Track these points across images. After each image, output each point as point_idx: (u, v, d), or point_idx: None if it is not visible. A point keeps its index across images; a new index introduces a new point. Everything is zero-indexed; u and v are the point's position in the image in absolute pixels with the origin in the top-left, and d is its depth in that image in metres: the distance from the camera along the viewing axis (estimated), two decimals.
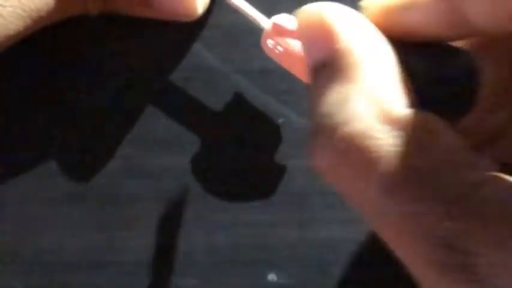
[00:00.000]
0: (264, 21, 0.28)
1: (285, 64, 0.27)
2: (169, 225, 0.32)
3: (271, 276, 0.31)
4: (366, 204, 0.18)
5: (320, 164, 0.19)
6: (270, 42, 0.27)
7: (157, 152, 0.32)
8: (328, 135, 0.18)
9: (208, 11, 0.31)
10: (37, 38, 0.29)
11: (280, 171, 0.32)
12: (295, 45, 0.25)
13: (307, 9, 0.20)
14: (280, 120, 0.32)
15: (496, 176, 0.18)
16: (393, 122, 0.18)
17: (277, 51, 0.26)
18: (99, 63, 0.32)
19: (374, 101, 0.18)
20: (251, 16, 0.28)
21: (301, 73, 0.26)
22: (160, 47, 0.32)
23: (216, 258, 0.31)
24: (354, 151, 0.18)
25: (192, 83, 0.32)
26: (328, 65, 0.19)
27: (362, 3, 0.21)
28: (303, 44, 0.20)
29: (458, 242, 0.17)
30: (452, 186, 0.17)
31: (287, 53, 0.26)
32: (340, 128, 0.18)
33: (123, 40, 0.32)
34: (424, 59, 0.20)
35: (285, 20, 0.26)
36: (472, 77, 0.20)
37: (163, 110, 0.32)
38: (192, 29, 0.32)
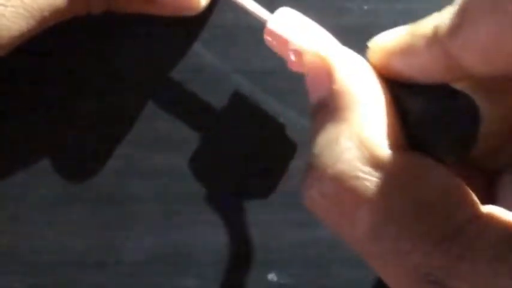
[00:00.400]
0: (267, 16, 0.27)
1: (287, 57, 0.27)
2: (170, 225, 0.32)
3: (271, 276, 0.31)
4: (352, 242, 0.19)
5: (309, 202, 0.20)
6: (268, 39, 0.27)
7: (158, 152, 0.32)
8: (316, 175, 0.19)
9: (209, 10, 0.31)
10: (39, 38, 0.29)
11: (280, 170, 0.32)
12: (294, 42, 0.26)
13: (313, 49, 0.22)
14: (281, 120, 0.31)
15: (484, 213, 0.18)
16: (378, 164, 0.19)
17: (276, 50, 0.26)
18: (100, 63, 0.32)
19: (361, 142, 0.19)
20: (253, 11, 0.28)
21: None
22: (160, 47, 0.32)
23: (216, 258, 0.31)
24: (339, 192, 0.19)
25: (192, 82, 0.32)
26: (325, 105, 0.20)
27: (369, 44, 0.22)
28: (307, 82, 0.21)
29: (445, 280, 0.17)
30: (438, 226, 0.18)
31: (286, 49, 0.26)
32: (327, 169, 0.19)
33: (124, 40, 0.32)
34: (421, 100, 0.20)
35: (286, 15, 0.26)
36: (471, 118, 0.21)
37: (163, 110, 0.32)
38: (192, 28, 0.32)
